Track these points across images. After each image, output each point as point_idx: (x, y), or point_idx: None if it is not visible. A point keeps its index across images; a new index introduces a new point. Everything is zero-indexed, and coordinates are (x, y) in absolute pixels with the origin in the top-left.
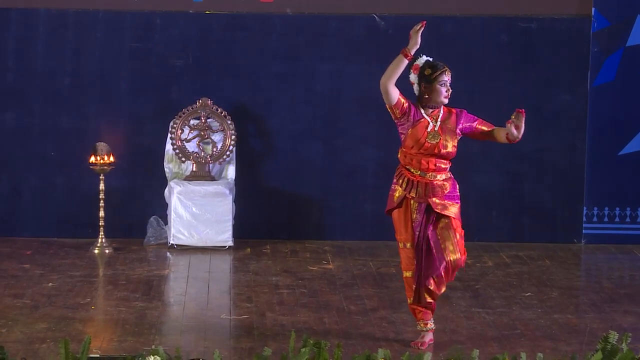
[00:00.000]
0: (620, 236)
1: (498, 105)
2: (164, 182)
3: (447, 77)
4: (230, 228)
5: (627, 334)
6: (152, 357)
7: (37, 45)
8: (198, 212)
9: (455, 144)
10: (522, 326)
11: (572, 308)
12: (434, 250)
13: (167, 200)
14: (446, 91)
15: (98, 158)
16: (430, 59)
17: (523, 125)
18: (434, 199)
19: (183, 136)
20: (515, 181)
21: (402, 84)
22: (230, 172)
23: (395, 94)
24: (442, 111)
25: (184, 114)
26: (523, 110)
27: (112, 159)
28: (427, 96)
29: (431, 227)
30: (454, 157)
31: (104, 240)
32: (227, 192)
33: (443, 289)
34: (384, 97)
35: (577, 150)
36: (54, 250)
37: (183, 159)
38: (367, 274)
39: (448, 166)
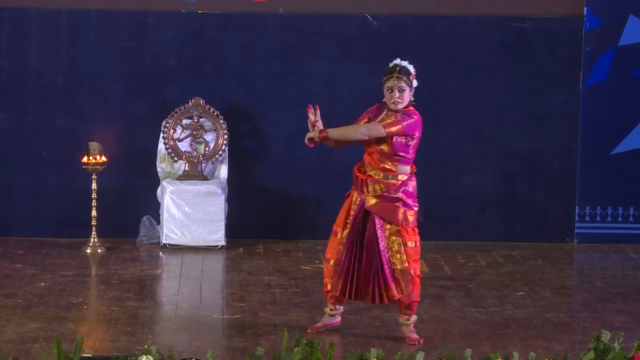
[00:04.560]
0: (613, 235)
1: (491, 105)
2: (156, 181)
3: (392, 83)
4: (223, 227)
5: (619, 333)
6: (145, 357)
7: (29, 44)
8: (190, 211)
9: (389, 145)
10: (515, 325)
11: (565, 307)
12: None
13: (159, 200)
14: (392, 97)
15: (90, 158)
16: (399, 62)
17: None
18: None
19: (175, 136)
20: (508, 181)
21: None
22: (223, 171)
23: (360, 129)
24: (398, 111)
25: (176, 113)
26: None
27: (104, 158)
28: (383, 100)
29: (379, 231)
30: (402, 160)
31: (96, 239)
32: (220, 191)
33: (397, 295)
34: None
35: (570, 150)
36: (46, 249)
37: (175, 158)
38: None
39: (395, 167)
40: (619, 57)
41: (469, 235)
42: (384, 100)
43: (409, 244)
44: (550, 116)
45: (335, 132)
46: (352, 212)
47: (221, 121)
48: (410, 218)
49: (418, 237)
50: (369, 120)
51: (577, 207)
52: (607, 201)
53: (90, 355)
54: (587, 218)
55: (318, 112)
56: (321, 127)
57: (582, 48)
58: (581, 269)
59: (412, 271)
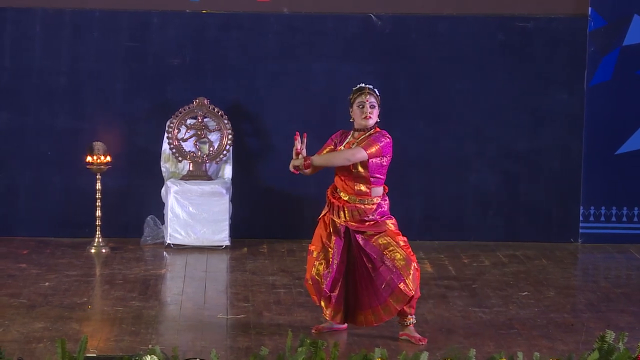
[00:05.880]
0: (617, 235)
1: (494, 105)
2: (160, 181)
3: (364, 98)
4: (227, 227)
5: (623, 333)
6: (149, 357)
7: (33, 44)
8: (195, 211)
9: (366, 167)
10: (519, 325)
11: (569, 307)
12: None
13: (163, 200)
14: (364, 112)
15: (95, 157)
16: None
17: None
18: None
19: (180, 136)
20: (512, 181)
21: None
22: (227, 171)
23: (343, 154)
24: (367, 133)
25: (180, 113)
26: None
27: (108, 158)
28: (352, 120)
29: (364, 243)
30: (377, 181)
31: (100, 239)
32: (224, 191)
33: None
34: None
35: (574, 150)
36: (50, 249)
37: (180, 158)
38: None
39: (370, 189)
40: (624, 57)
41: (473, 235)
42: (351, 119)
43: (400, 242)
44: (554, 116)
45: (319, 160)
46: (333, 238)
47: (225, 121)
48: (393, 227)
49: (405, 238)
50: (335, 147)
51: (581, 207)
52: (611, 201)
53: (95, 355)
54: (592, 218)
55: (305, 140)
56: (305, 154)
57: (586, 48)
58: (585, 269)
59: (413, 264)
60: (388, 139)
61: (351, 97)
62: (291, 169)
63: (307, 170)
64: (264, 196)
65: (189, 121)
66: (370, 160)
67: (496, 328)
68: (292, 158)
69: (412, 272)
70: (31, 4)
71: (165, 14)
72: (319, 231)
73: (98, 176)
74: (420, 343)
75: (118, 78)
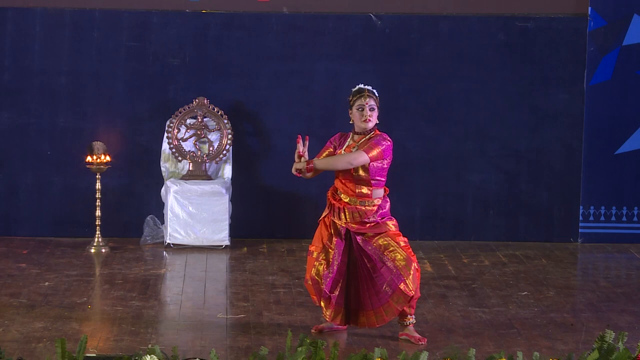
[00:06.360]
0: (617, 235)
1: (494, 105)
2: (160, 181)
3: (363, 101)
4: (227, 227)
5: (623, 333)
6: (149, 357)
7: (33, 44)
8: (194, 211)
9: (367, 170)
10: (519, 325)
11: (569, 307)
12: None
13: (163, 200)
14: (364, 115)
15: (95, 157)
16: (364, 86)
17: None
18: (352, 224)
19: (180, 135)
20: (512, 180)
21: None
22: (227, 171)
23: (345, 158)
24: (368, 136)
25: (180, 113)
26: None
27: (108, 158)
28: (351, 122)
29: (365, 245)
30: (378, 184)
31: (100, 239)
32: (224, 191)
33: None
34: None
35: (574, 150)
36: (50, 249)
37: (180, 158)
38: None
39: (371, 192)
40: (623, 57)
41: (473, 234)
42: (351, 121)
43: (401, 242)
44: (554, 115)
45: (321, 163)
46: (334, 239)
47: (225, 121)
48: (393, 227)
49: (405, 238)
50: (335, 150)
51: (581, 207)
52: (611, 201)
53: (95, 355)
54: (591, 218)
55: (307, 143)
56: (307, 158)
57: (586, 48)
58: (585, 269)
59: (413, 264)
60: (389, 142)
61: (350, 99)
62: (294, 172)
63: (309, 174)
64: (264, 196)
65: (188, 121)
66: (371, 164)
67: (496, 328)
68: (293, 159)
69: (412, 273)
70: (31, 3)
71: (165, 13)
72: (320, 232)
73: (98, 176)
74: (420, 343)
75: (118, 78)
